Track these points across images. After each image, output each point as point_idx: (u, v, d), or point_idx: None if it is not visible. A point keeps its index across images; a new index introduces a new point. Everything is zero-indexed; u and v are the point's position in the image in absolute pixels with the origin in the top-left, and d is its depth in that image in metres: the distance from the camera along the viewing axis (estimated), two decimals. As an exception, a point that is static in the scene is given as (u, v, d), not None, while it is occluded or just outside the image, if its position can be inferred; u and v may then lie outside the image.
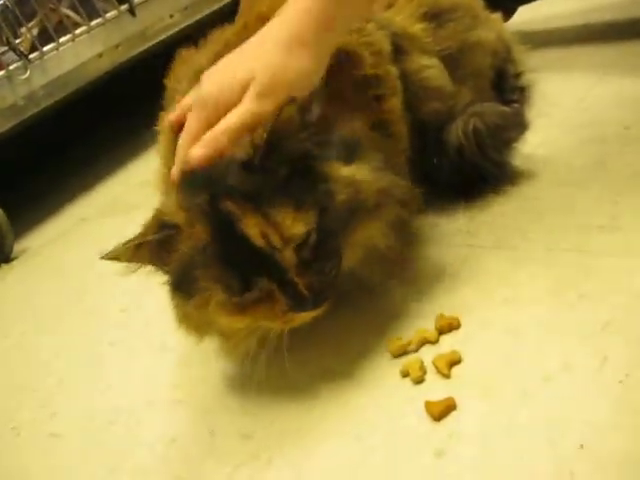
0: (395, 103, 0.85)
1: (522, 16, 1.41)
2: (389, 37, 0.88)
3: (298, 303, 0.68)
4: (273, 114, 0.66)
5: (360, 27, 0.84)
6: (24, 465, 0.85)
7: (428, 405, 0.66)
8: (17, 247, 1.51)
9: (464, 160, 0.89)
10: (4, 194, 1.50)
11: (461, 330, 0.74)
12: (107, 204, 1.55)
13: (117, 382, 0.93)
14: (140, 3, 1.67)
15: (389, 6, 0.92)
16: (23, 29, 1.59)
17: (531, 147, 0.94)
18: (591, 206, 0.83)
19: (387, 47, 0.87)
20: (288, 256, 0.67)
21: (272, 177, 0.66)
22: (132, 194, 1.52)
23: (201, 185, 0.68)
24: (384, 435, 0.66)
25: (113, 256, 0.69)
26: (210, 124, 0.71)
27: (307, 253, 0.68)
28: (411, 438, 0.65)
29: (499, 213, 0.89)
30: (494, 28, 1.00)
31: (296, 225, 0.66)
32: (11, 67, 1.57)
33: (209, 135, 0.70)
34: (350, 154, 0.71)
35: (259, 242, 0.65)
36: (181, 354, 0.90)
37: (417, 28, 0.91)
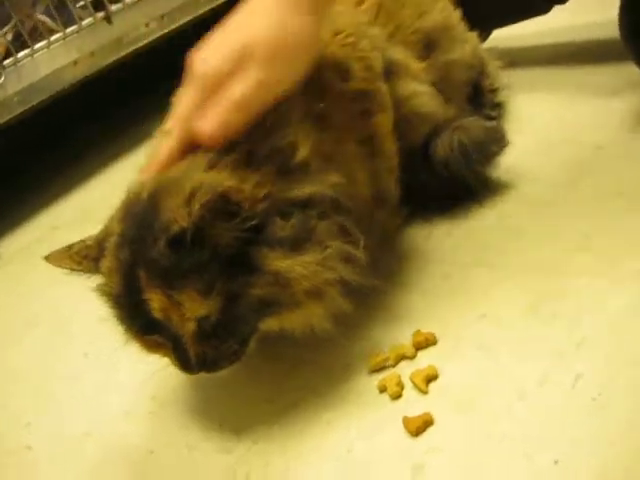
0: (383, 119, 0.84)
1: (494, 33, 1.43)
2: (382, 59, 0.88)
3: (184, 366, 0.70)
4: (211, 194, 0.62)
5: (354, 42, 0.84)
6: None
7: (406, 421, 0.67)
8: (-10, 255, 1.50)
9: (450, 173, 0.91)
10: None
11: (438, 346, 0.75)
12: (78, 213, 1.54)
13: (92, 393, 0.92)
14: (116, 11, 1.66)
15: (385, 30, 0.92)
16: (-3, 34, 1.57)
17: (506, 164, 0.96)
18: (565, 226, 0.85)
19: (379, 65, 0.86)
20: (186, 328, 0.67)
21: (194, 257, 0.64)
22: (103, 204, 1.51)
23: (131, 238, 0.67)
24: (363, 452, 0.67)
25: (51, 262, 0.76)
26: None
27: (207, 327, 0.67)
28: (389, 454, 0.66)
29: (476, 230, 0.90)
30: (470, 42, 1.02)
31: (197, 309, 0.65)
32: (-15, 73, 1.56)
33: (216, 109, 0.66)
34: (301, 241, 0.67)
35: (158, 315, 0.67)
36: (160, 367, 0.89)
37: (412, 63, 0.92)
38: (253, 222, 0.65)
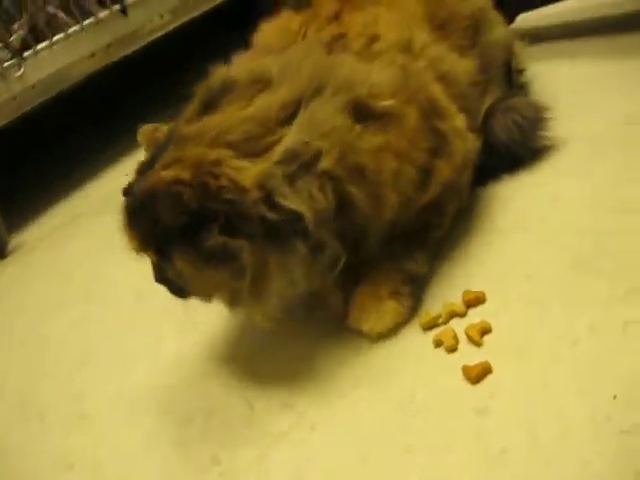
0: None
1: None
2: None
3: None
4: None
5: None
6: (54, 447, 0.86)
7: (465, 369, 0.71)
8: (11, 243, 1.51)
9: (511, 154, 0.96)
10: (-3, 189, 1.51)
11: (487, 304, 0.79)
12: (102, 200, 1.56)
13: (143, 362, 0.94)
14: (132, 3, 1.69)
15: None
16: (15, 26, 1.59)
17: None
18: (602, 190, 0.90)
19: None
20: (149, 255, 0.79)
21: (141, 215, 0.74)
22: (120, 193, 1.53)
23: (145, 163, 0.79)
24: (424, 399, 0.71)
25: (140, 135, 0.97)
26: None
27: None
28: (452, 400, 0.70)
29: (513, 198, 0.95)
30: (503, 24, 1.06)
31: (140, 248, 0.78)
32: (5, 65, 1.58)
33: None
34: (216, 258, 0.72)
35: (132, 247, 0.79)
36: (207, 334, 0.92)
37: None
38: (181, 221, 0.71)
